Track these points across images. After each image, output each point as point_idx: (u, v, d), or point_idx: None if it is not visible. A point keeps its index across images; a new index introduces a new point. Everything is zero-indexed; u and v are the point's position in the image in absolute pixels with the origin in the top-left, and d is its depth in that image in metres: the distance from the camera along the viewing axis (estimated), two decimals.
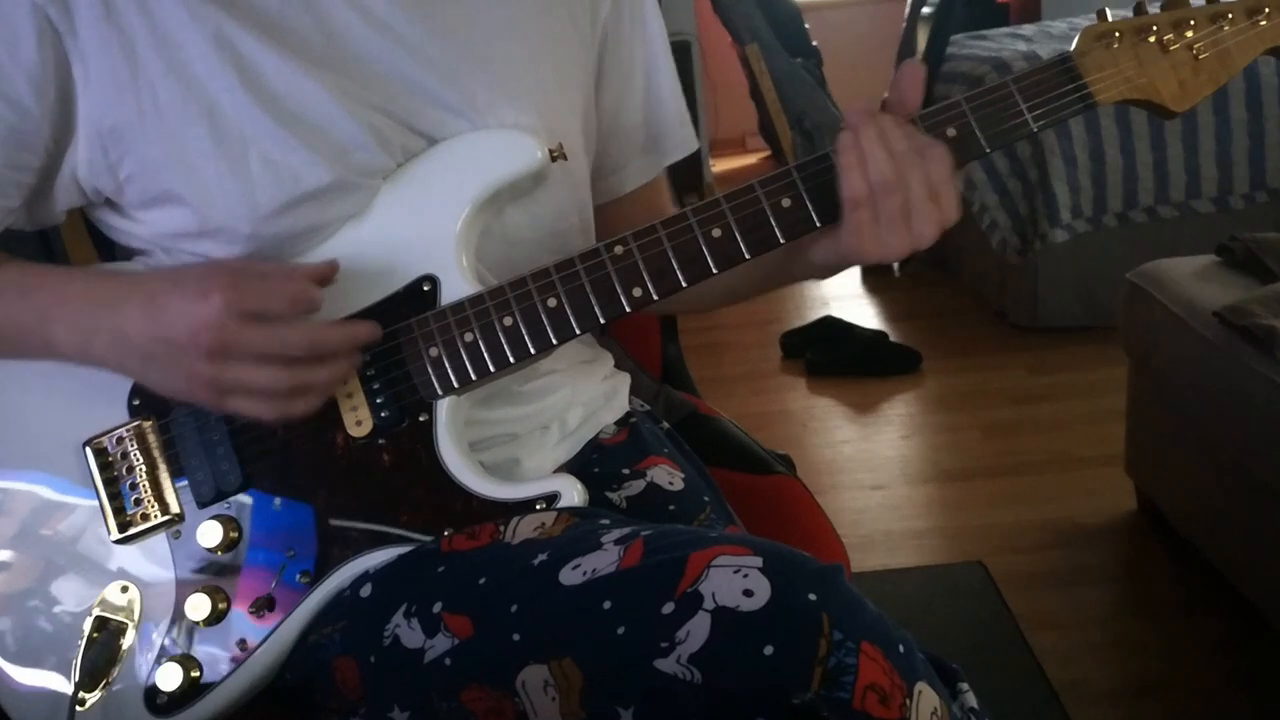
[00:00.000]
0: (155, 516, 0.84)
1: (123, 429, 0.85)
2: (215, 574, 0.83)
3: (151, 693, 0.82)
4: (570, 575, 0.71)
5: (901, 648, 0.66)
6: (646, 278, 0.81)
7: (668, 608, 0.65)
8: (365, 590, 0.81)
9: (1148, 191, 2.87)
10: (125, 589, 0.84)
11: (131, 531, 0.84)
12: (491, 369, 0.82)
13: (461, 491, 0.82)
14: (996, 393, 2.75)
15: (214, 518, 0.83)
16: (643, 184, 1.03)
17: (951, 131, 0.81)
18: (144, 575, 0.84)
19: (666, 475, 0.98)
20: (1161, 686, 1.65)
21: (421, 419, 0.83)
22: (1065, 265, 2.91)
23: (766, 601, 0.64)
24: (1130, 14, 0.83)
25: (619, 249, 0.82)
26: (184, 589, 0.83)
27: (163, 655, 0.83)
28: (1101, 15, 0.83)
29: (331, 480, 0.83)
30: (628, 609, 0.67)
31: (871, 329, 3.14)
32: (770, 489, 1.14)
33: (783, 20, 4.04)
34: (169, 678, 0.82)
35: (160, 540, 0.84)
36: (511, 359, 0.82)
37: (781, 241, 0.82)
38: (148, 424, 0.84)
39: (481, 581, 0.75)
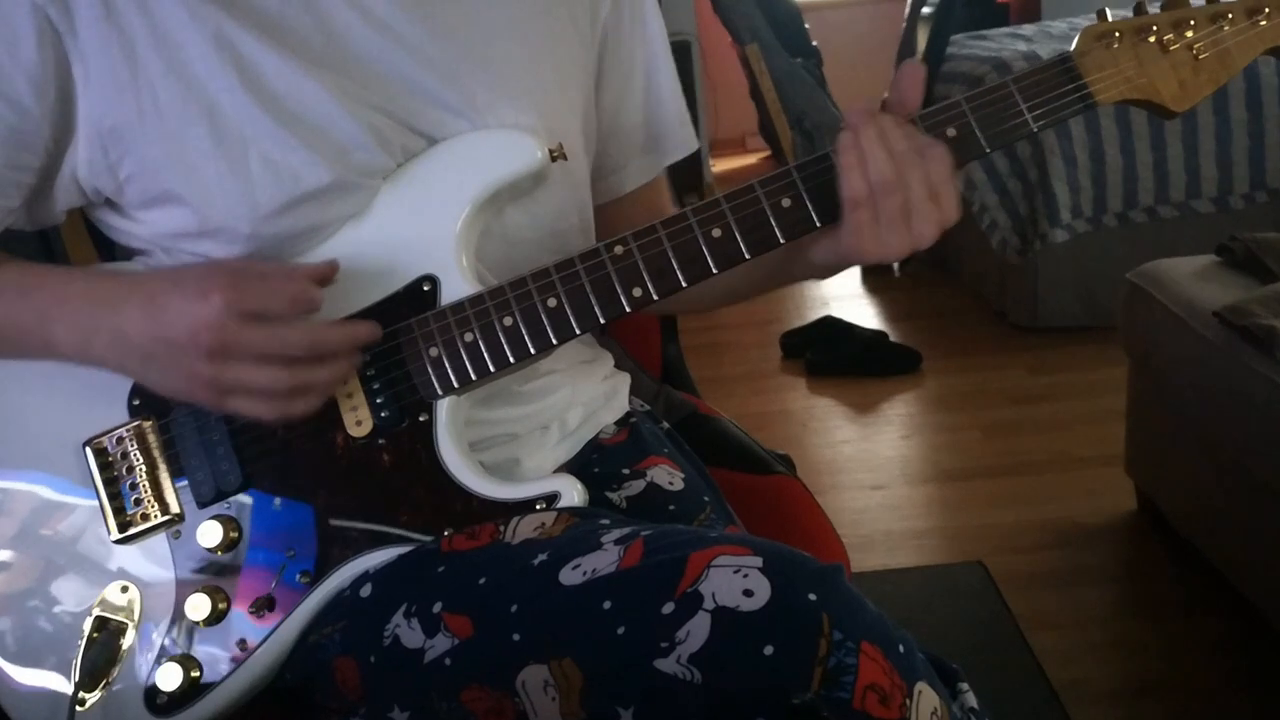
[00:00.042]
0: (155, 516, 0.84)
1: (123, 429, 0.85)
2: (215, 574, 0.83)
3: (151, 693, 0.82)
4: (570, 575, 0.71)
5: (901, 648, 0.66)
6: (646, 278, 0.81)
7: (668, 608, 0.65)
8: (365, 590, 0.81)
9: (1148, 191, 2.87)
10: (125, 589, 0.84)
11: (131, 531, 0.84)
12: (491, 369, 0.82)
13: (461, 491, 0.82)
14: (996, 393, 2.75)
15: (214, 518, 0.83)
16: (643, 184, 1.03)
17: (951, 131, 0.81)
18: (144, 575, 0.84)
19: (666, 475, 0.98)
20: (1161, 686, 1.65)
21: (421, 419, 0.83)
22: (1065, 265, 2.91)
23: (766, 601, 0.64)
24: (1130, 14, 0.83)
25: (619, 249, 0.82)
26: (184, 589, 0.83)
27: (163, 655, 0.83)
28: (1101, 15, 0.83)
29: (331, 480, 0.83)
30: (628, 609, 0.67)
31: (871, 329, 3.14)
32: (770, 489, 1.14)
33: (783, 20, 4.04)
34: (169, 678, 0.82)
35: (160, 540, 0.84)
36: (511, 359, 0.82)
37: (781, 241, 0.81)
38: (148, 424, 0.84)
39: (481, 581, 0.75)
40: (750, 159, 5.76)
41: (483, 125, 0.85)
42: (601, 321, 0.82)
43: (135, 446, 0.84)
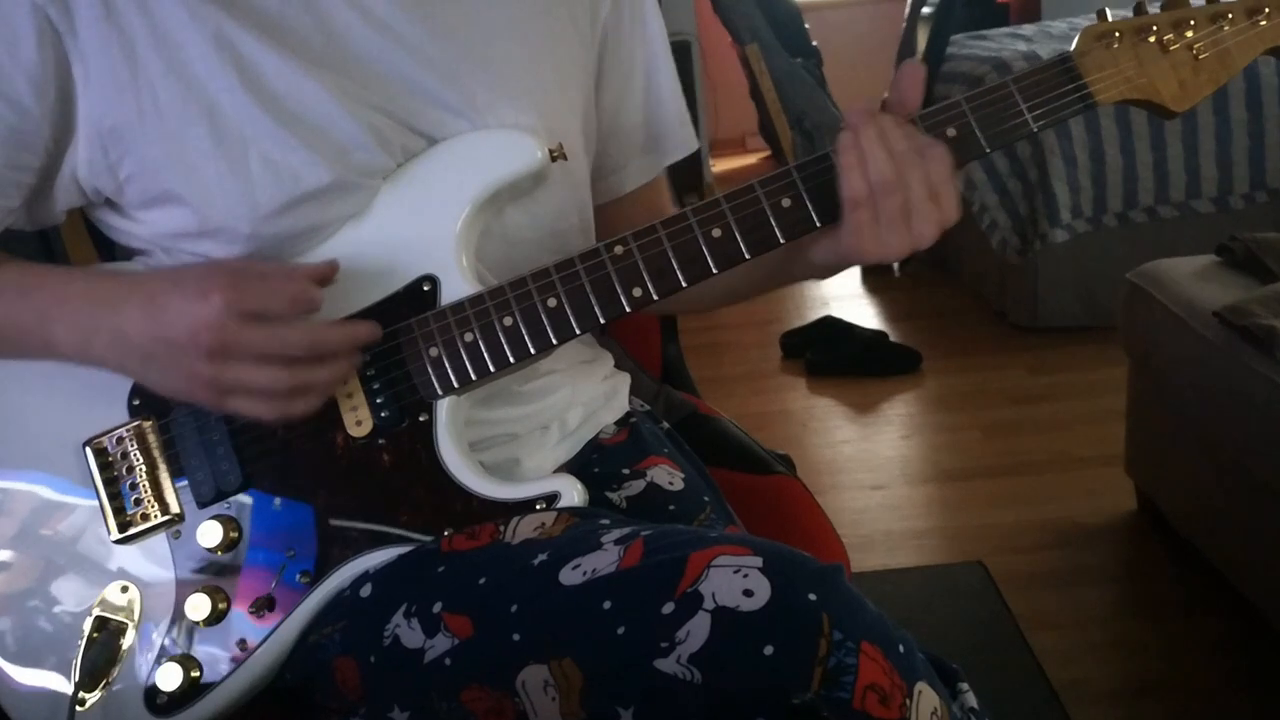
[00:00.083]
0: (155, 516, 0.84)
1: (123, 429, 0.85)
2: (215, 574, 0.83)
3: (151, 693, 0.82)
4: (570, 575, 0.71)
5: (901, 648, 0.66)
6: (646, 278, 0.81)
7: (668, 608, 0.65)
8: (365, 590, 0.81)
9: (1148, 191, 2.87)
10: (125, 589, 0.84)
11: (131, 531, 0.84)
12: (491, 369, 0.82)
13: (461, 491, 0.82)
14: (996, 393, 2.75)
15: (214, 518, 0.83)
16: (642, 184, 1.03)
17: (951, 131, 0.81)
18: (144, 575, 0.84)
19: (666, 475, 0.98)
20: (1161, 686, 1.65)
21: (421, 419, 0.83)
22: (1065, 265, 2.91)
23: (766, 601, 0.64)
24: (1130, 14, 0.83)
25: (619, 249, 0.82)
26: (184, 589, 0.83)
27: (163, 655, 0.83)
28: (1101, 15, 0.83)
29: (331, 480, 0.83)
30: (628, 609, 0.67)
31: (871, 329, 3.14)
32: (770, 489, 1.14)
33: (783, 20, 4.04)
34: (169, 678, 0.82)
35: (160, 540, 0.84)
36: (511, 359, 0.82)
37: (781, 241, 0.81)
38: (148, 424, 0.84)
39: (481, 581, 0.75)
40: (750, 159, 5.76)
41: (483, 125, 0.85)
42: (601, 321, 0.82)
43: (135, 446, 0.84)
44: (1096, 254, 2.88)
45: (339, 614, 0.82)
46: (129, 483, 0.84)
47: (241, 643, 0.82)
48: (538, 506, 0.82)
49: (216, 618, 0.82)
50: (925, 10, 3.66)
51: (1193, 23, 0.82)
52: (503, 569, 0.76)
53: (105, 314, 0.77)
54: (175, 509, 0.84)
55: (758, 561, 0.66)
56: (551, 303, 0.82)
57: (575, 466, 0.95)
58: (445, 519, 0.82)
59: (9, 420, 0.87)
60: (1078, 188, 2.85)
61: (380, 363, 0.83)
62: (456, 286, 0.83)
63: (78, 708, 0.82)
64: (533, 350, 0.82)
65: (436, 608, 0.76)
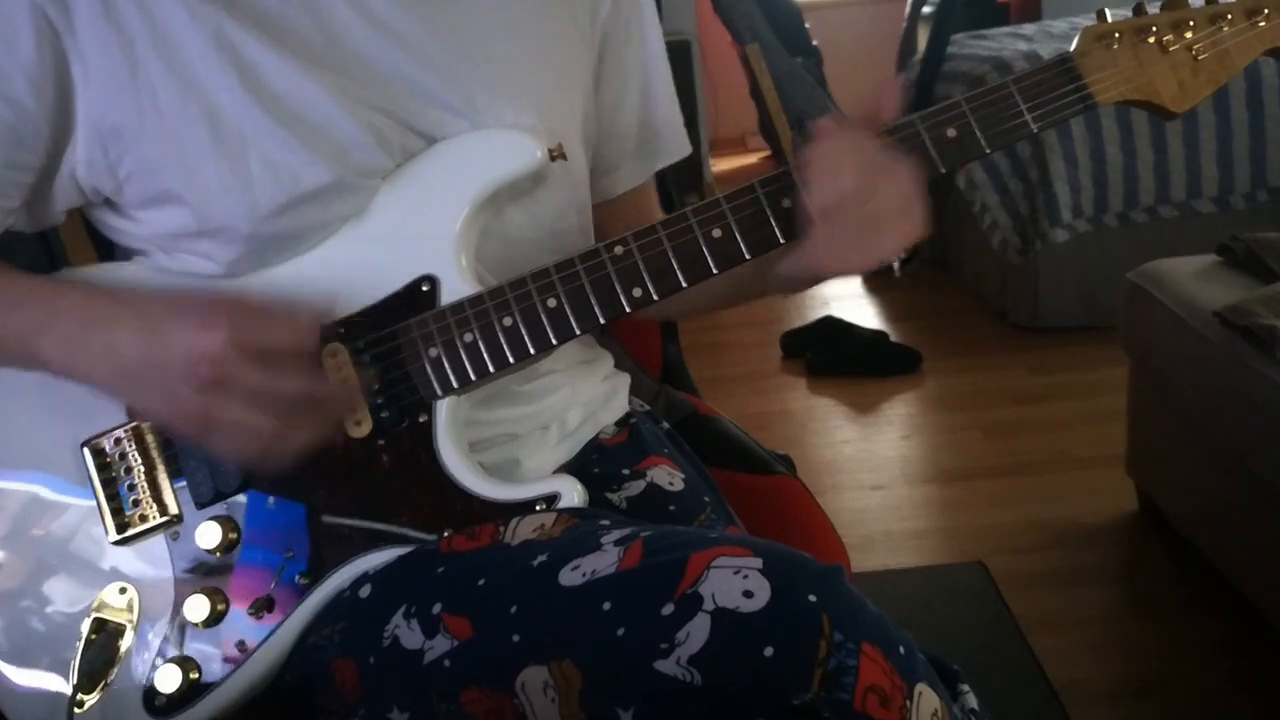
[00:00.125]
0: (154, 518, 0.84)
1: (121, 429, 0.85)
2: (214, 575, 0.83)
3: (150, 694, 0.82)
4: (570, 576, 0.71)
5: (902, 649, 0.66)
6: (646, 278, 0.81)
7: (667, 609, 0.65)
8: (364, 591, 0.81)
9: (1149, 191, 2.87)
10: (124, 590, 0.84)
11: (130, 533, 0.84)
12: (491, 369, 0.82)
13: (461, 492, 0.82)
14: (997, 393, 2.74)
15: (212, 519, 0.83)
16: (633, 187, 1.02)
17: (951, 132, 0.81)
18: (142, 576, 0.84)
19: (666, 476, 0.97)
20: (1161, 686, 1.65)
21: (421, 419, 0.83)
22: (1066, 265, 2.91)
23: (766, 602, 0.64)
24: (1130, 14, 0.83)
25: (619, 249, 0.82)
26: (182, 590, 0.83)
27: (161, 656, 0.83)
28: (1101, 15, 0.83)
29: (330, 481, 0.83)
30: (627, 610, 0.67)
31: (871, 329, 3.14)
32: (770, 489, 1.14)
33: (783, 20, 4.04)
34: (167, 679, 0.82)
35: (159, 541, 0.84)
36: (511, 359, 0.82)
37: (781, 242, 0.81)
38: (146, 424, 0.84)
39: (481, 582, 0.75)
40: (750, 159, 5.76)
41: (482, 125, 0.85)
42: (601, 322, 0.82)
43: (133, 447, 0.84)
44: (1097, 254, 2.88)
45: (338, 615, 0.82)
46: (127, 484, 0.84)
47: (240, 644, 0.82)
48: (537, 507, 0.82)
49: (215, 619, 0.82)
50: (926, 10, 3.67)
51: (1192, 23, 0.82)
52: (502, 570, 0.76)
53: (97, 332, 0.76)
54: (174, 510, 0.84)
55: (758, 562, 0.66)
56: (551, 303, 0.82)
57: (575, 467, 0.95)
58: (445, 520, 0.82)
59: (7, 421, 0.87)
60: (1079, 187, 2.85)
61: (380, 363, 0.82)
62: (456, 287, 0.83)
63: (76, 709, 0.82)
64: (532, 350, 0.82)
65: (436, 609, 0.76)
